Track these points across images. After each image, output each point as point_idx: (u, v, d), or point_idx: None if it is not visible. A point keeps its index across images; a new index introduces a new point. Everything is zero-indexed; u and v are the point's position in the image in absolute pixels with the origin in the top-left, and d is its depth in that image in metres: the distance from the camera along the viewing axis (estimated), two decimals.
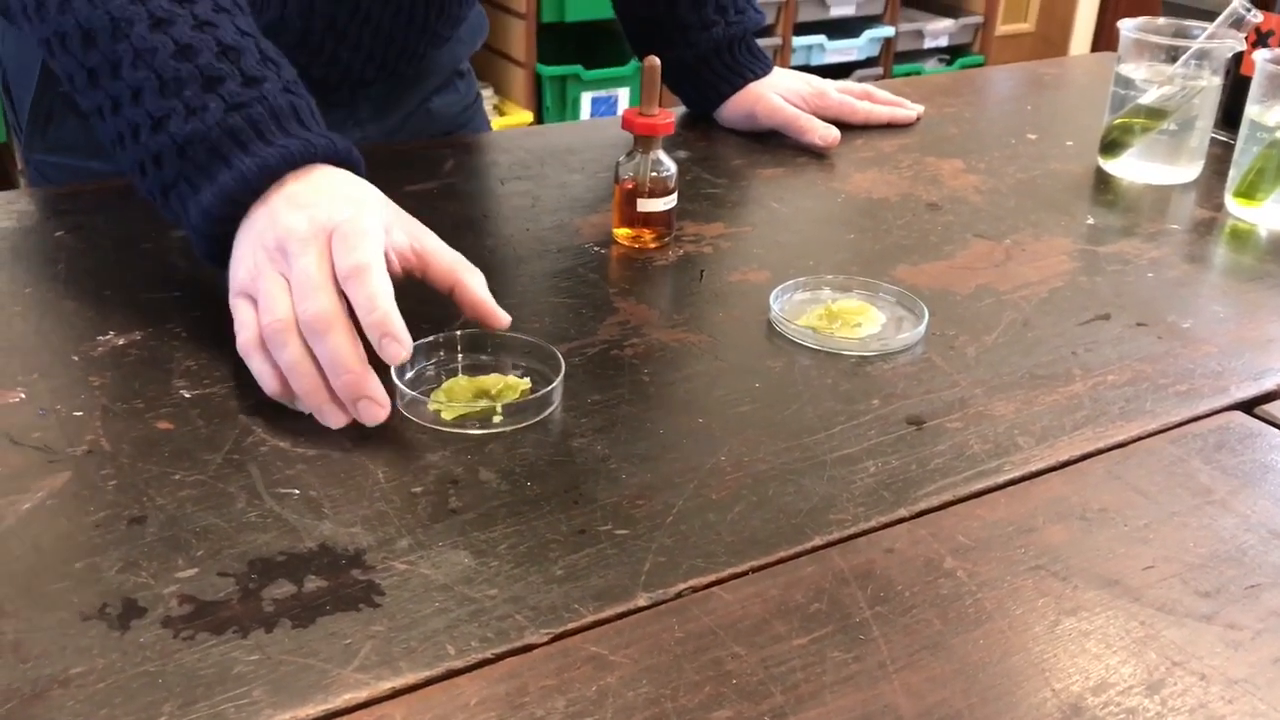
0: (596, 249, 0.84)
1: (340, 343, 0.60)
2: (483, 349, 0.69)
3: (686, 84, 1.11)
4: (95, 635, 0.48)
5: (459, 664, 0.47)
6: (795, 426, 0.64)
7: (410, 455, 0.60)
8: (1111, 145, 1.01)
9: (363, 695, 0.46)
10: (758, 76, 1.09)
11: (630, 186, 0.82)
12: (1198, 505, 0.58)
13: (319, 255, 0.62)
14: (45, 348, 0.69)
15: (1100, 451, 0.63)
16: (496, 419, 0.63)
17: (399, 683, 0.46)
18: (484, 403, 0.64)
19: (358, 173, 0.70)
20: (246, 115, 0.66)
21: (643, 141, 0.82)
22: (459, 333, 0.69)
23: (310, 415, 0.62)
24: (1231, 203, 0.94)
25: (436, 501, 0.57)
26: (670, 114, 0.82)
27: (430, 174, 0.96)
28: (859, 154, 1.05)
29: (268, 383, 0.62)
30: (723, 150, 1.05)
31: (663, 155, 0.82)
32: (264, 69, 0.69)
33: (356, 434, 0.61)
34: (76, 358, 0.68)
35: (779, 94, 1.08)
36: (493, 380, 0.66)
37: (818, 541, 0.55)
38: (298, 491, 0.57)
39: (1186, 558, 0.55)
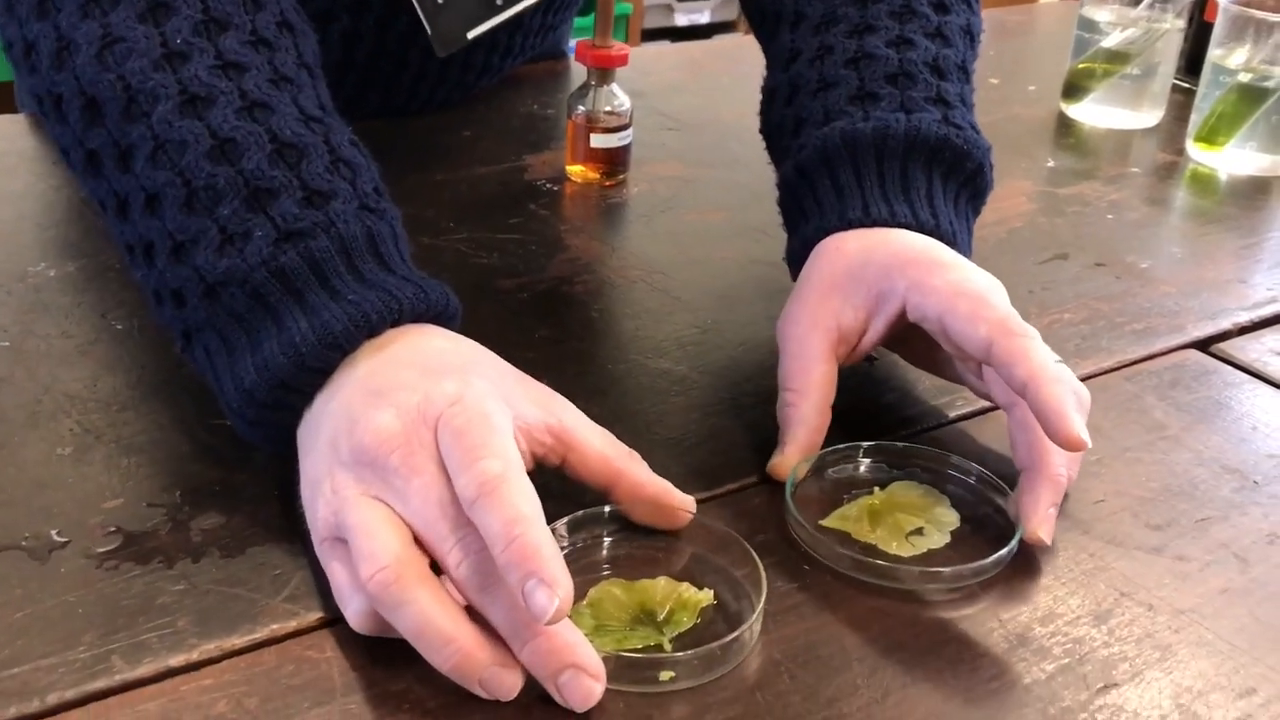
0: (549, 186, 0.82)
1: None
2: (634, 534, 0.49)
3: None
4: (12, 565, 0.46)
5: None
6: (747, 363, 0.63)
7: None
8: (1074, 89, 1.00)
9: (291, 625, 0.44)
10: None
11: (583, 121, 0.80)
12: (1151, 441, 0.58)
13: (430, 464, 0.43)
14: None
15: None
16: (665, 676, 0.42)
17: (329, 613, 0.45)
18: (646, 632, 0.44)
19: (450, 325, 0.51)
20: (305, 250, 0.47)
21: (596, 74, 0.80)
22: (606, 509, 0.49)
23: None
24: (1193, 147, 0.93)
25: None
26: (625, 47, 0.80)
27: (382, 110, 0.94)
28: None
29: (359, 623, 0.43)
30: (682, 90, 1.03)
31: (617, 89, 0.80)
32: (334, 176, 0.49)
33: None
34: (9, 293, 0.65)
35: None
36: (663, 590, 0.46)
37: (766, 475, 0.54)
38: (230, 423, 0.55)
39: (1138, 492, 0.54)
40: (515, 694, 0.41)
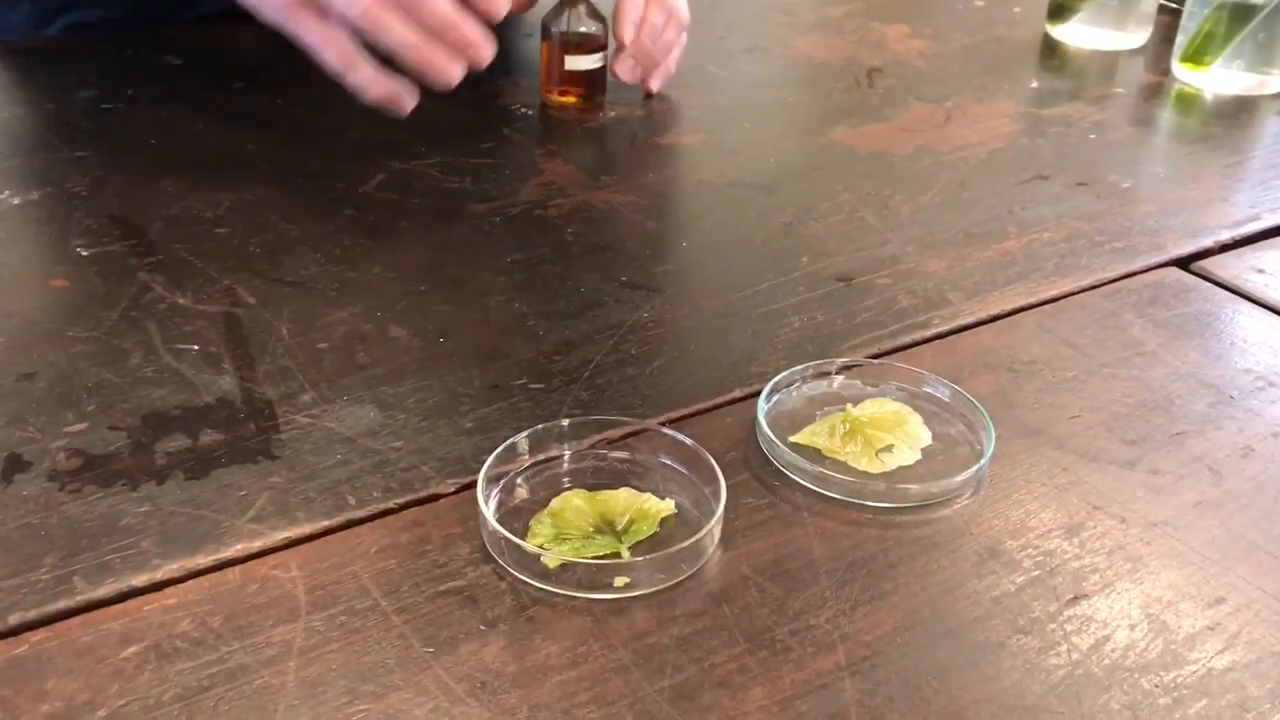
0: (523, 110, 0.81)
1: (439, 4, 0.62)
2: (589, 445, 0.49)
3: None
4: None
5: (360, 514, 0.46)
6: (721, 284, 0.62)
7: (315, 312, 0.58)
8: (1059, 10, 0.98)
9: (256, 545, 0.44)
10: None
11: (557, 44, 0.79)
12: (1128, 357, 0.57)
13: None
14: None
15: (1032, 306, 0.61)
16: (620, 581, 0.43)
17: (295, 533, 0.44)
18: (605, 541, 0.44)
19: None
20: None
21: None
22: (565, 422, 0.49)
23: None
24: (1179, 67, 0.92)
25: (343, 358, 0.55)
26: None
27: None
28: (802, 18, 1.01)
29: (373, 88, 0.64)
30: None
31: (593, 8, 0.79)
32: None
33: (264, 293, 0.59)
34: None
35: None
36: (623, 502, 0.46)
37: (737, 394, 0.53)
38: (197, 347, 0.55)
39: (1114, 407, 0.54)
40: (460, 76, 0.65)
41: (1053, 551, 0.45)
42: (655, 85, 0.82)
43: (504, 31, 0.94)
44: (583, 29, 0.78)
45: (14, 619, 0.40)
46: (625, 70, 0.80)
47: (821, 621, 0.41)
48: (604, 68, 0.80)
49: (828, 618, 0.42)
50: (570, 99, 0.80)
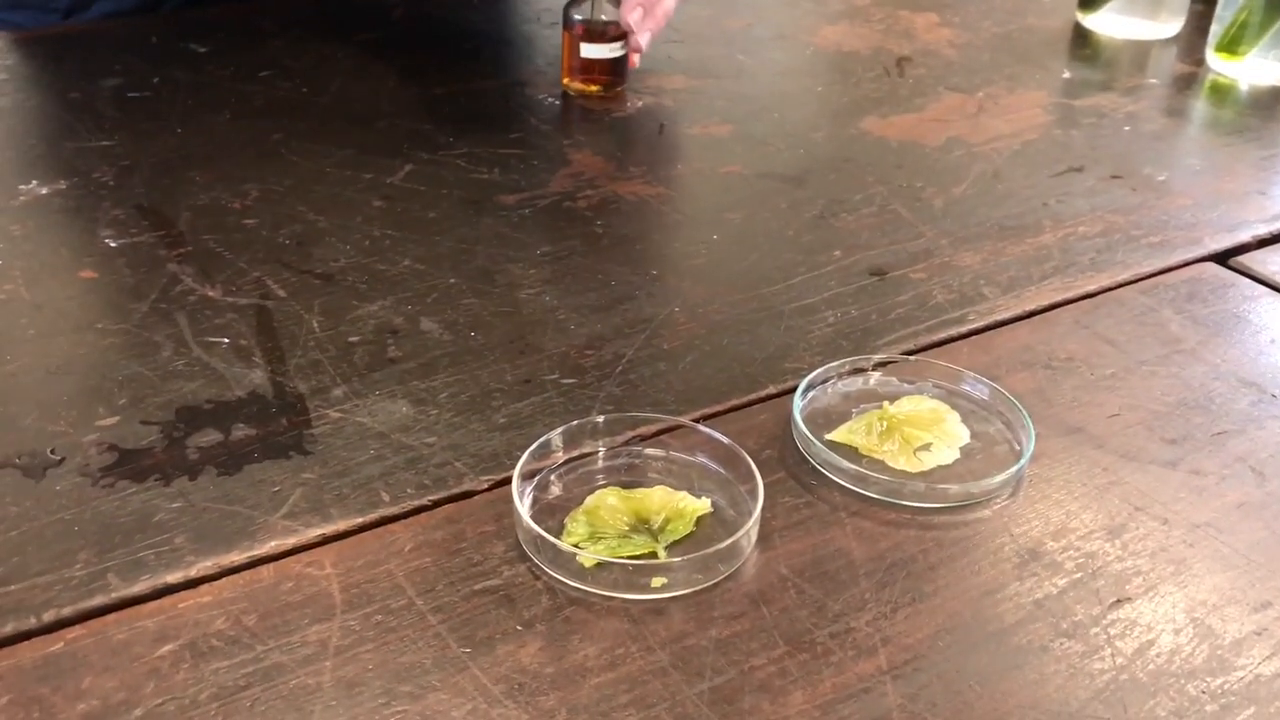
0: (550, 100, 0.80)
1: None
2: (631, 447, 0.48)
3: None
4: (8, 484, 0.45)
5: (394, 510, 0.45)
6: (753, 278, 0.61)
7: (346, 305, 0.57)
8: None
9: (290, 542, 0.44)
10: None
11: (579, 32, 0.78)
12: (1166, 354, 0.56)
13: None
14: None
15: (1069, 302, 0.60)
16: (657, 582, 0.42)
17: (329, 530, 0.44)
18: (641, 540, 0.43)
19: None
20: None
21: None
22: (600, 418, 0.49)
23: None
24: (1213, 57, 0.91)
25: (374, 351, 0.54)
26: None
27: (379, 23, 0.91)
28: (830, 6, 1.00)
29: None
30: (686, 0, 1.00)
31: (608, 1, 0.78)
32: None
33: (294, 285, 0.59)
34: (0, 211, 0.64)
35: None
36: (658, 500, 0.45)
37: (771, 390, 0.53)
38: (227, 340, 0.54)
39: (1153, 405, 0.53)
40: None
41: (1094, 553, 0.45)
42: (642, 43, 0.80)
43: (528, 23, 0.93)
44: (604, 16, 0.78)
45: (49, 616, 0.40)
46: (634, 19, 0.78)
47: (862, 624, 0.41)
48: (625, 56, 0.80)
49: (868, 620, 0.41)
50: (592, 87, 0.80)
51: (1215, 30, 0.90)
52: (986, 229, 0.66)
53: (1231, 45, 0.89)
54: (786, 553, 0.44)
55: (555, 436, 0.48)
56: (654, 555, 0.43)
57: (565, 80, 0.80)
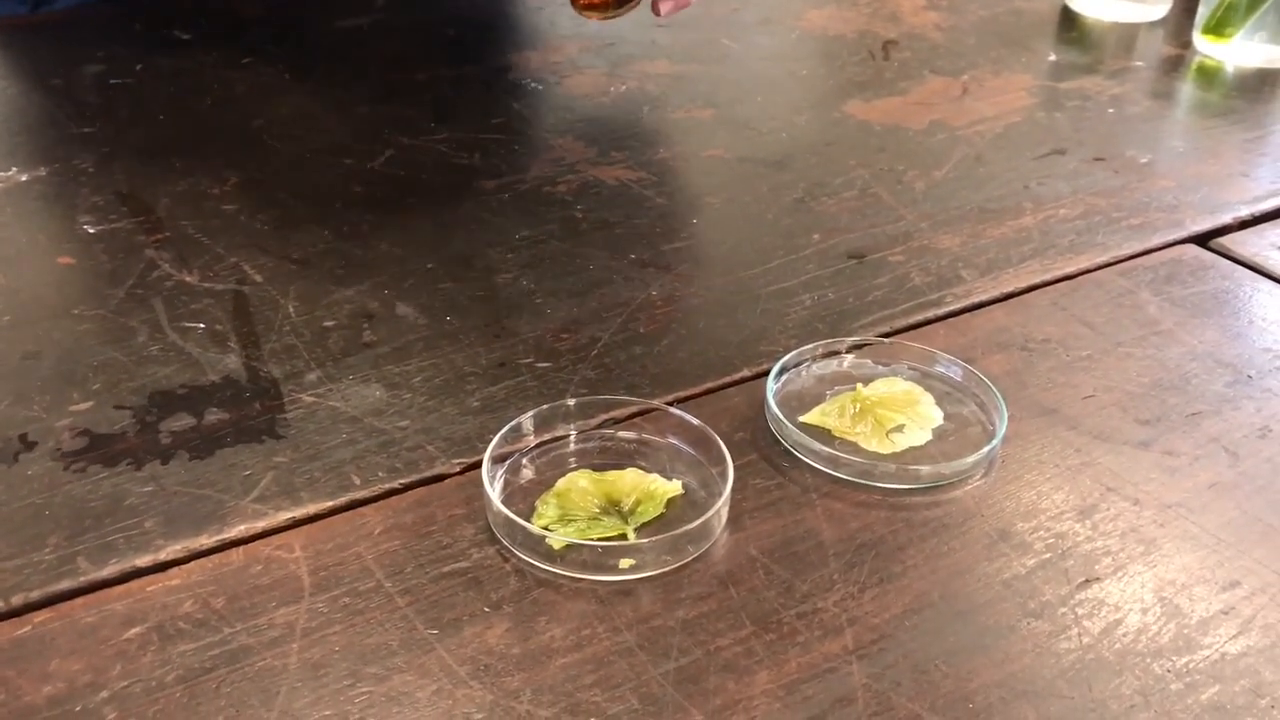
0: (533, 85, 0.80)
1: None
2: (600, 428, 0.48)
3: None
4: None
5: (364, 494, 0.45)
6: (731, 262, 0.61)
7: (322, 290, 0.57)
8: None
9: (260, 525, 0.44)
10: None
11: None
12: (1143, 336, 0.56)
13: None
14: None
15: (1046, 284, 0.60)
16: (626, 563, 0.42)
17: (299, 513, 0.44)
18: (611, 522, 0.44)
19: None
20: None
21: None
22: (572, 401, 0.49)
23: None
24: (1200, 39, 0.90)
25: (349, 335, 0.54)
26: None
27: (362, 9, 0.91)
28: None
29: None
30: None
31: None
32: None
33: (270, 270, 0.59)
34: None
35: None
36: (629, 483, 0.46)
37: (746, 373, 0.53)
38: (203, 325, 0.54)
39: (1128, 386, 0.53)
40: None
41: (1064, 534, 0.45)
42: (665, 8, 0.70)
43: (512, 7, 0.93)
44: None
45: (17, 599, 0.40)
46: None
47: (829, 604, 0.41)
48: None
49: (836, 600, 0.41)
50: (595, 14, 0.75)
51: (1202, 12, 0.90)
52: (967, 212, 0.66)
53: (1219, 27, 0.89)
54: (756, 534, 0.44)
55: (527, 420, 0.48)
56: (624, 537, 0.43)
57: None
